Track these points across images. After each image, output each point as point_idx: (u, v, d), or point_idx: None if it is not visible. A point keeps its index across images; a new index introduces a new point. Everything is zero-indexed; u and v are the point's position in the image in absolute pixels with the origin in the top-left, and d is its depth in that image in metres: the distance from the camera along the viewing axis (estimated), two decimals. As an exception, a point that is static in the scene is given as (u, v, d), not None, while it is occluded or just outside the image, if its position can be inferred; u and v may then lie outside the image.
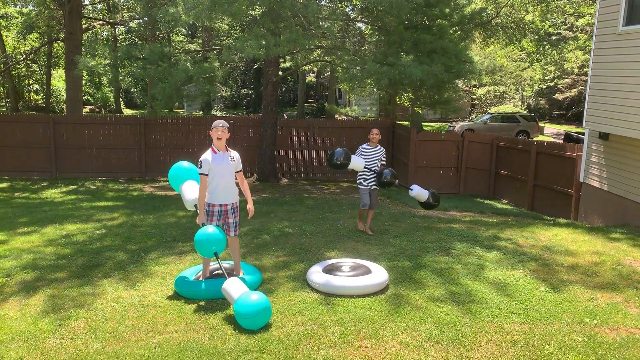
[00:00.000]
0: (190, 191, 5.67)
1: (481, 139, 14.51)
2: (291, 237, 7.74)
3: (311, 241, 7.47)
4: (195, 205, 5.45)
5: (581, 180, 10.54)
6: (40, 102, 37.69)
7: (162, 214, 9.67)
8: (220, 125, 5.32)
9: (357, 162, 7.37)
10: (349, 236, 7.79)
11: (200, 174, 5.28)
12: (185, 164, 5.98)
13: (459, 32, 14.99)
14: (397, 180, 7.55)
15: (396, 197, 12.35)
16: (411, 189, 7.58)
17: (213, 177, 5.33)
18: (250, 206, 5.57)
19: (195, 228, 8.17)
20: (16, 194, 12.46)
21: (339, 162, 7.19)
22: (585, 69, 31.47)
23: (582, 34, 27.08)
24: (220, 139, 5.33)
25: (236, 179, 5.54)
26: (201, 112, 38.14)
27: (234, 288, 4.83)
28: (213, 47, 21.02)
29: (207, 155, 5.31)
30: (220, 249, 5.06)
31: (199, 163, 5.28)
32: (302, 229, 8.28)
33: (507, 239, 7.63)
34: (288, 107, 45.46)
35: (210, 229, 5.07)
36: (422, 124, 28.72)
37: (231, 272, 5.67)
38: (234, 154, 5.52)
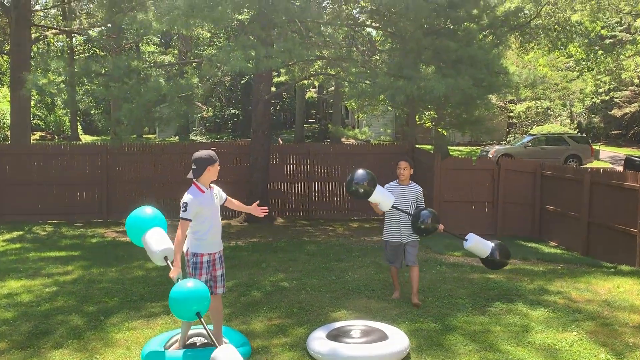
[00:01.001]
0: (157, 240, 5.58)
1: (522, 166, 14.52)
2: (288, 293, 7.68)
3: (313, 298, 7.41)
4: (165, 257, 5.41)
5: (647, 216, 10.49)
6: (-21, 127, 38.12)
7: (127, 267, 9.62)
8: (217, 158, 5.48)
9: (383, 194, 6.75)
10: (360, 291, 7.73)
11: (183, 218, 5.27)
12: (148, 210, 5.85)
13: (490, 38, 15.22)
14: (440, 225, 6.93)
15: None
16: (466, 240, 6.95)
17: (203, 221, 5.36)
18: (253, 207, 5.84)
19: (169, 283, 8.12)
20: (-52, 243, 12.46)
21: (359, 188, 6.55)
22: (647, 79, 31.73)
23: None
24: (217, 173, 5.48)
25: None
26: (177, 138, 38.46)
27: None
28: (191, 59, 21.35)
29: (192, 196, 5.31)
30: (204, 309, 4.99)
31: (183, 206, 5.28)
32: (302, 282, 8.22)
33: (557, 293, 7.56)
34: (284, 130, 45.84)
35: (190, 283, 5.01)
36: (449, 148, 28.86)
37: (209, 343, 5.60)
38: (215, 189, 5.60)
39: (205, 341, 5.65)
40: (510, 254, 7.13)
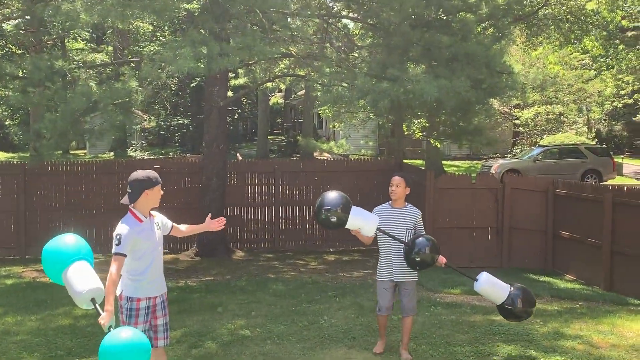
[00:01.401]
0: (81, 278, 5.44)
1: (531, 184, 14.68)
2: (250, 343, 7.62)
3: (281, 349, 7.36)
4: (93, 300, 5.30)
5: (680, 242, 10.66)
6: None
7: (51, 314, 9.45)
8: (159, 179, 5.43)
9: (361, 216, 6.43)
10: (339, 339, 7.70)
11: (116, 254, 5.19)
12: (69, 239, 5.67)
13: (490, 30, 15.45)
14: (441, 257, 6.67)
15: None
16: (477, 280, 6.62)
17: (140, 257, 5.29)
18: (207, 220, 5.83)
19: (102, 334, 8.00)
20: None
21: (331, 216, 6.31)
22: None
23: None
24: (159, 198, 5.44)
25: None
26: (112, 154, 38.15)
27: None
28: (129, 58, 21.29)
29: (128, 226, 5.24)
30: None
31: (116, 238, 5.21)
32: (267, 330, 8.17)
33: (576, 337, 7.61)
34: (244, 143, 45.86)
35: (125, 333, 4.92)
36: (443, 163, 29.12)
37: None
38: (158, 217, 5.54)
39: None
40: (535, 302, 6.75)
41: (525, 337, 7.59)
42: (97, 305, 5.18)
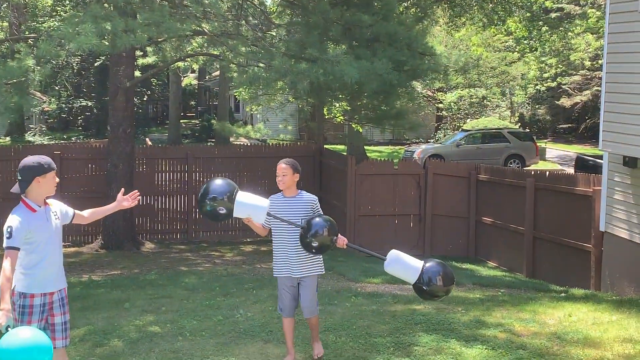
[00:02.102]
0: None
1: (453, 170, 14.99)
2: (159, 340, 7.51)
3: (193, 346, 7.28)
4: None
5: (602, 229, 11.05)
6: None
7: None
8: (54, 165, 5.23)
9: (248, 202, 6.05)
10: (255, 333, 7.66)
11: (8, 248, 5.02)
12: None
13: (413, 10, 15.67)
14: (340, 238, 6.31)
15: (328, 264, 12.37)
16: (386, 259, 6.28)
17: (33, 250, 5.12)
18: (122, 198, 5.70)
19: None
20: None
21: (218, 207, 5.94)
22: (600, 61, 33.52)
23: (594, 10, 28.75)
24: (54, 186, 5.25)
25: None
26: (8, 139, 36.91)
27: None
28: (26, 34, 20.62)
29: (17, 218, 5.07)
30: None
31: (7, 231, 5.03)
32: (178, 325, 8.06)
33: (498, 325, 7.79)
34: (154, 127, 45.12)
35: (25, 333, 4.79)
36: (365, 148, 29.40)
37: None
38: (55, 205, 5.36)
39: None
40: (453, 276, 6.31)
41: (447, 326, 7.71)
42: None
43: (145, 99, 43.41)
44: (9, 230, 5.00)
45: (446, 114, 38.11)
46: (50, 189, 5.23)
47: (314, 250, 6.28)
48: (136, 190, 5.76)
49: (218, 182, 6.10)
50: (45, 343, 4.71)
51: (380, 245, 14.01)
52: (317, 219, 6.31)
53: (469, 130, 29.98)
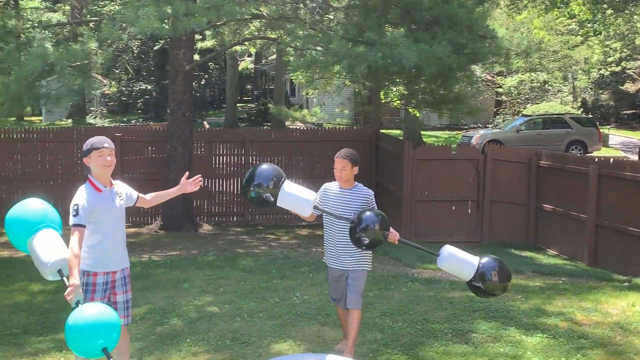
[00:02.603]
0: (48, 248, 5.40)
1: (513, 156, 14.80)
2: (218, 320, 7.64)
3: (250, 326, 7.38)
4: (60, 271, 5.27)
5: (667, 216, 10.83)
6: None
7: (5, 290, 9.43)
8: (107, 144, 5.27)
9: (296, 196, 5.87)
10: (311, 316, 7.73)
11: (74, 225, 5.14)
12: (34, 203, 5.63)
13: (473, -8, 15.43)
14: (392, 233, 6.02)
15: (385, 249, 12.39)
16: (438, 255, 6.03)
17: (96, 230, 5.23)
18: (186, 182, 5.77)
19: (60, 311, 7.98)
20: None
21: (257, 192, 5.78)
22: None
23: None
24: (110, 166, 5.28)
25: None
26: (70, 122, 37.68)
27: None
28: (88, 17, 21.01)
29: (83, 196, 5.19)
30: (113, 342, 4.89)
31: (73, 209, 5.15)
32: (236, 306, 8.18)
33: (558, 314, 7.72)
34: (211, 111, 45.52)
35: (93, 309, 4.89)
36: (422, 133, 29.24)
37: None
38: (121, 187, 5.48)
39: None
40: (510, 274, 6.10)
41: (506, 313, 7.67)
42: (64, 278, 5.12)
43: (203, 82, 43.80)
44: (75, 208, 5.12)
45: (506, 99, 37.52)
46: (98, 169, 5.29)
47: (364, 246, 6.04)
48: (199, 175, 5.82)
49: (264, 168, 5.88)
50: (113, 320, 4.83)
51: (437, 231, 14.05)
52: (368, 212, 6.04)
53: (530, 116, 29.50)
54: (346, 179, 6.35)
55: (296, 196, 5.86)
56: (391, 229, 6.01)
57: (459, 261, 5.97)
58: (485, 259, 5.96)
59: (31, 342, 7.07)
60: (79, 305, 4.90)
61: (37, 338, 7.21)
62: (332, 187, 6.45)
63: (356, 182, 6.45)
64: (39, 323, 7.74)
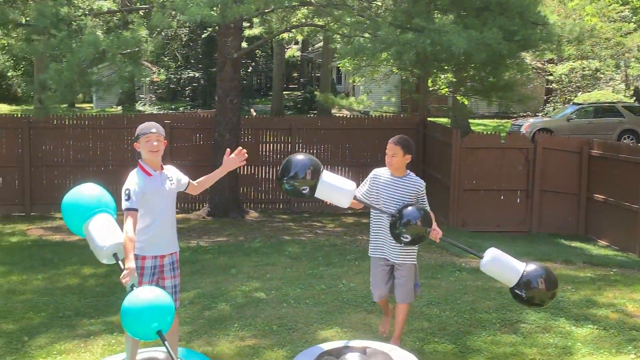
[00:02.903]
0: (104, 232, 5.54)
1: (564, 144, 14.60)
2: (265, 306, 7.70)
3: (297, 313, 7.43)
4: (115, 255, 5.38)
5: None
6: None
7: (57, 273, 9.58)
8: (154, 130, 5.33)
9: (336, 187, 5.75)
10: (358, 304, 7.75)
11: (127, 209, 5.22)
12: (89, 188, 5.79)
13: (525, -22, 15.21)
14: (435, 230, 5.88)
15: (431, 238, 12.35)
16: (482, 257, 5.84)
17: (145, 213, 5.30)
18: (229, 160, 5.67)
19: (111, 294, 8.12)
20: None
21: (292, 184, 5.68)
22: None
23: None
24: (157, 151, 5.34)
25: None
26: (120, 108, 38.23)
27: None
28: (138, 5, 21.22)
29: (134, 180, 5.28)
30: (167, 325, 4.96)
31: (125, 193, 5.24)
32: (282, 293, 8.25)
33: (609, 305, 7.62)
34: (258, 99, 45.74)
35: (149, 293, 4.97)
36: (470, 122, 28.97)
37: None
38: (172, 171, 5.54)
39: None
40: (557, 283, 5.83)
41: (556, 304, 7.59)
42: (120, 262, 5.23)
43: (249, 70, 43.94)
44: (127, 192, 5.20)
45: (556, 87, 36.93)
46: (146, 154, 5.35)
47: (404, 242, 5.83)
48: (243, 150, 5.67)
49: (300, 158, 5.70)
50: (168, 303, 4.91)
51: (485, 220, 13.95)
52: (410, 208, 5.81)
53: (581, 104, 29.02)
54: (396, 166, 6.07)
55: (335, 186, 5.74)
56: (434, 226, 5.84)
57: (503, 266, 5.75)
58: (531, 266, 5.73)
59: (83, 325, 7.21)
60: (134, 288, 4.99)
61: (88, 320, 7.35)
62: (382, 173, 6.18)
63: (408, 171, 6.18)
64: (90, 305, 7.89)
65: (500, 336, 6.62)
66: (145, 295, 4.88)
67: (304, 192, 5.66)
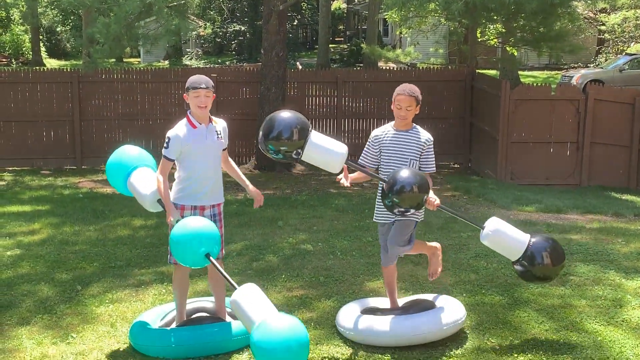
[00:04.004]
0: (145, 182, 5.66)
1: (615, 96, 14.29)
2: (312, 258, 7.75)
3: (344, 264, 7.46)
4: (159, 201, 5.49)
5: None
6: None
7: (109, 225, 9.74)
8: (203, 85, 5.34)
9: (325, 149, 5.23)
10: (405, 256, 7.74)
11: (164, 157, 5.31)
12: (130, 149, 5.94)
13: None
14: (432, 198, 5.26)
15: (480, 191, 12.26)
16: (484, 227, 5.42)
17: (188, 164, 5.35)
18: (253, 189, 5.74)
19: (161, 245, 8.23)
20: None
21: (284, 148, 5.10)
22: None
23: None
24: (205, 107, 5.36)
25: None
26: (167, 63, 38.44)
27: (252, 303, 4.73)
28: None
29: (179, 131, 5.31)
30: (215, 249, 5.07)
31: (166, 141, 5.31)
32: (329, 245, 8.28)
33: (661, 258, 7.51)
34: (304, 52, 45.55)
35: (193, 221, 5.09)
36: (520, 73, 28.48)
37: (214, 314, 5.71)
38: (221, 124, 5.55)
39: (201, 315, 5.78)
40: (564, 256, 5.40)
41: (606, 257, 7.50)
42: (162, 204, 5.44)
43: (295, 23, 43.75)
44: (167, 140, 5.30)
45: (609, 37, 36.02)
46: (194, 107, 5.38)
47: (397, 212, 5.25)
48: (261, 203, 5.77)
49: (284, 116, 5.09)
50: (213, 230, 5.07)
51: (534, 173, 13.79)
52: (405, 173, 5.14)
53: (634, 55, 28.35)
54: (408, 120, 5.53)
55: (325, 149, 5.21)
56: (431, 193, 5.25)
57: (505, 238, 5.30)
58: (536, 238, 5.30)
59: (134, 275, 7.33)
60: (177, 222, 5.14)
61: (139, 270, 7.47)
62: (384, 130, 5.62)
63: (414, 124, 5.60)
64: (141, 256, 8.01)
65: (549, 288, 6.57)
66: (192, 223, 5.04)
67: (289, 155, 5.15)
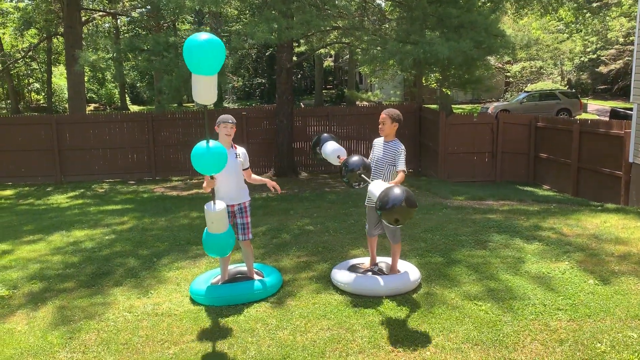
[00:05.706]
0: (329, 144, 5.54)
1: (518, 120, 14.31)
2: (313, 235, 7.74)
3: (335, 239, 7.46)
4: (339, 157, 5.37)
5: (631, 160, 10.33)
6: (41, 101, 38.45)
7: (174, 216, 9.77)
8: (230, 120, 5.33)
9: (329, 149, 5.56)
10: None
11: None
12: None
13: (488, 4, 14.78)
14: (359, 171, 5.09)
15: (426, 187, 12.26)
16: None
17: (219, 176, 5.33)
18: (268, 180, 5.66)
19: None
20: (20, 201, 12.73)
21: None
22: (631, 38, 30.74)
23: (627, -1, 26.42)
24: (230, 135, 5.34)
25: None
26: (212, 106, 38.40)
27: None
28: (222, 34, 21.15)
29: None
30: (221, 165, 4.62)
31: None
32: (325, 226, 8.27)
33: (550, 229, 7.50)
34: (305, 95, 45.50)
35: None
36: (452, 106, 28.42)
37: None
38: (240, 150, 5.53)
39: (241, 277, 5.77)
40: (416, 202, 4.58)
41: (512, 229, 7.50)
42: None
43: (299, 76, 43.73)
44: None
45: (512, 80, 36.17)
46: (222, 135, 5.28)
47: (350, 183, 5.18)
48: (278, 188, 5.61)
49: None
50: (219, 147, 4.59)
51: (463, 174, 13.78)
52: (355, 158, 5.15)
53: (530, 92, 28.38)
54: (386, 132, 5.44)
55: (327, 149, 5.53)
56: (341, 157, 5.42)
57: (371, 189, 4.96)
58: (388, 191, 4.57)
59: (192, 250, 7.32)
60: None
61: (196, 247, 7.46)
62: (379, 140, 5.61)
63: (396, 138, 5.51)
64: (197, 237, 7.99)
65: (474, 251, 6.57)
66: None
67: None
